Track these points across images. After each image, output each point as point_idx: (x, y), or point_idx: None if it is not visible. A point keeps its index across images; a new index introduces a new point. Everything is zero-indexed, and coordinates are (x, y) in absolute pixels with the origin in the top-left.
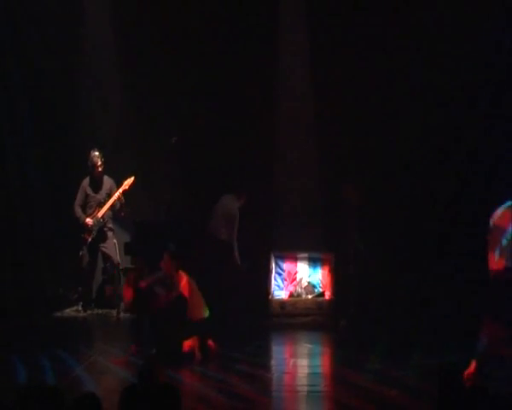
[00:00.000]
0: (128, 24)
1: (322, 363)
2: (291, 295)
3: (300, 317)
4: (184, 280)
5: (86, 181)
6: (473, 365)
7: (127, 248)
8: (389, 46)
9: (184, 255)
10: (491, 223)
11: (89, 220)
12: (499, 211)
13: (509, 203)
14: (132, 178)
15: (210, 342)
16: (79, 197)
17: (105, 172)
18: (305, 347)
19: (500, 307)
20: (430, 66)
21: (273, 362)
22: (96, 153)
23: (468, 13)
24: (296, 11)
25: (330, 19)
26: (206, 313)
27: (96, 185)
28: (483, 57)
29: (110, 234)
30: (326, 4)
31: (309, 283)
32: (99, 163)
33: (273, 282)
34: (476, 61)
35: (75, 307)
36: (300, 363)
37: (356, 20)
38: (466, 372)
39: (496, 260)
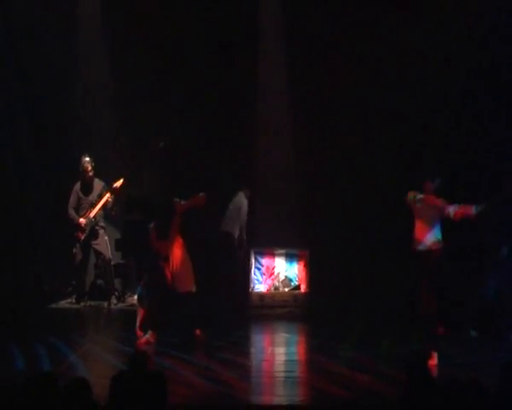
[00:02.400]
0: (119, 33)
1: (298, 351)
2: (269, 288)
3: (278, 308)
4: (179, 249)
5: (78, 185)
6: (435, 356)
7: (118, 245)
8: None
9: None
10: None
11: (82, 220)
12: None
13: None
14: (122, 180)
15: (198, 332)
16: (72, 200)
17: (96, 174)
18: (282, 336)
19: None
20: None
21: (253, 350)
22: (87, 158)
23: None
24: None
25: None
26: (194, 288)
27: (88, 189)
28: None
29: (102, 232)
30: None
31: (286, 277)
32: (89, 168)
33: (253, 276)
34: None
35: (69, 300)
36: (278, 351)
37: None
38: (429, 362)
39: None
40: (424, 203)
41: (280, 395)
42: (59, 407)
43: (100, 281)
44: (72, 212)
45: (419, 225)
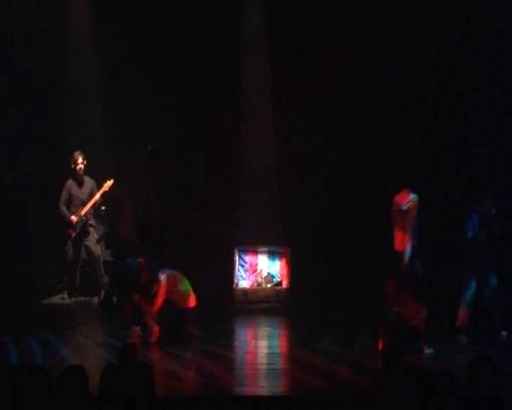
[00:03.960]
0: (109, 36)
1: (280, 344)
2: (253, 284)
3: (261, 303)
4: (162, 289)
5: (69, 182)
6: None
7: (107, 243)
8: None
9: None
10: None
11: (73, 218)
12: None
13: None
14: (112, 181)
15: (193, 329)
16: (64, 197)
17: (87, 173)
18: (264, 330)
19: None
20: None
21: (236, 343)
22: (79, 154)
23: None
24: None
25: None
26: (193, 303)
27: (79, 185)
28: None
29: (92, 229)
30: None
31: (268, 273)
32: (81, 163)
33: (237, 273)
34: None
35: (61, 295)
36: (260, 344)
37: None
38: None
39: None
40: None
41: (263, 387)
42: (53, 396)
43: (90, 277)
44: (63, 208)
45: None
